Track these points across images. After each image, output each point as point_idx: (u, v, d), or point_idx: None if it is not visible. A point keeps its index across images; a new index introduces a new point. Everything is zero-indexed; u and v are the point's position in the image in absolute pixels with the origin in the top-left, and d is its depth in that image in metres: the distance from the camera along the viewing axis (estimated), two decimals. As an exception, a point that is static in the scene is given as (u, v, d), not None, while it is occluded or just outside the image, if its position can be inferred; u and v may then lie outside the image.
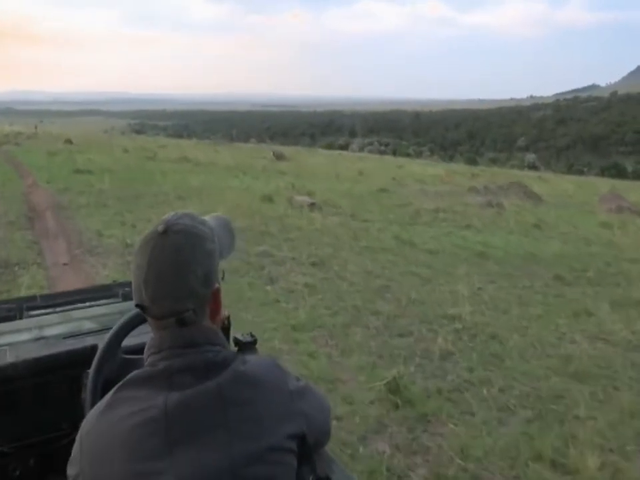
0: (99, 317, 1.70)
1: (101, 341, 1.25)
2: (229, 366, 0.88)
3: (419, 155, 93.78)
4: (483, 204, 12.85)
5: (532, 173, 34.66)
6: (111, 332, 1.24)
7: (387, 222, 9.82)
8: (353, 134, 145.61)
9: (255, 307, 4.77)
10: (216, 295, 0.92)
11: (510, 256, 7.71)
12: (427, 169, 27.81)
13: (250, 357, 0.93)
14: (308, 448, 0.93)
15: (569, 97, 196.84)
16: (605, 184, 25.17)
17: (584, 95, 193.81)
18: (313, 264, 6.32)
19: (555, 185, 22.01)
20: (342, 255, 6.89)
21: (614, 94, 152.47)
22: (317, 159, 28.89)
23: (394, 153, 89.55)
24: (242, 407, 0.85)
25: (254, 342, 1.33)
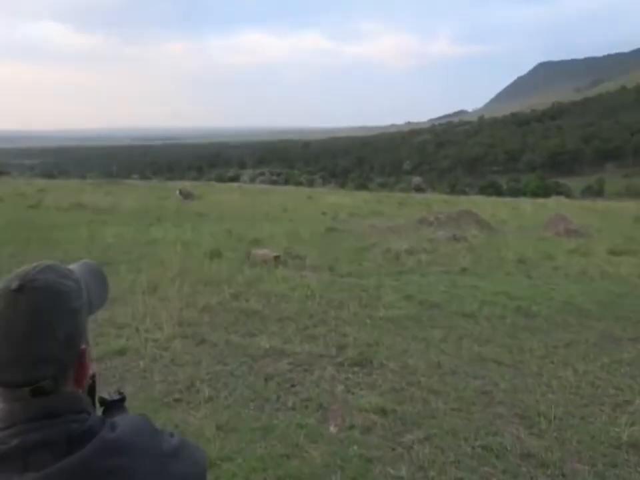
0: None
1: None
2: (95, 435, 0.76)
3: (311, 183, 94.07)
4: (448, 238, 11.64)
5: (435, 196, 35.03)
6: None
7: (374, 274, 8.08)
8: (242, 165, 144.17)
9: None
10: (82, 357, 0.81)
11: (551, 310, 6.32)
12: (342, 199, 26.64)
13: (119, 420, 0.82)
14: None
15: (442, 121, 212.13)
16: (508, 203, 25.74)
17: (455, 119, 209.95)
18: (356, 364, 4.34)
19: (477, 208, 21.79)
20: (375, 339, 4.97)
21: (481, 118, 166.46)
22: (228, 195, 26.52)
23: (286, 183, 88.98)
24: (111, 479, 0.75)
25: (122, 399, 1.14)
